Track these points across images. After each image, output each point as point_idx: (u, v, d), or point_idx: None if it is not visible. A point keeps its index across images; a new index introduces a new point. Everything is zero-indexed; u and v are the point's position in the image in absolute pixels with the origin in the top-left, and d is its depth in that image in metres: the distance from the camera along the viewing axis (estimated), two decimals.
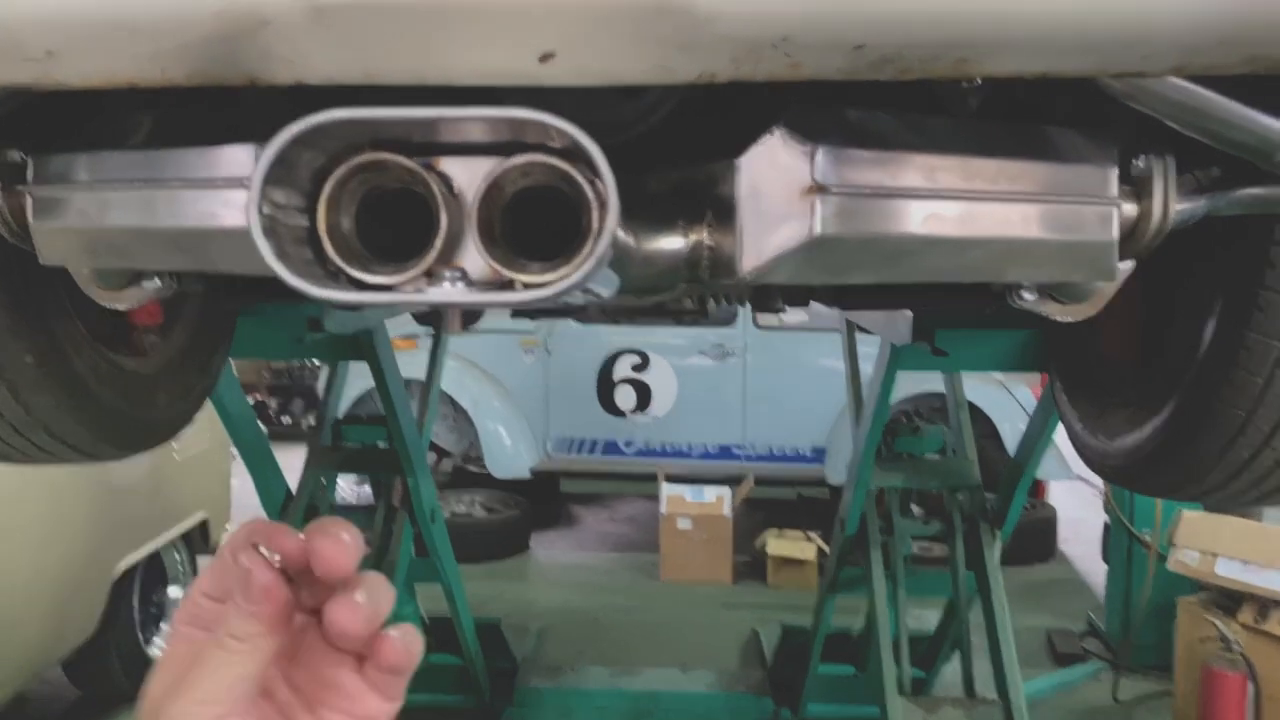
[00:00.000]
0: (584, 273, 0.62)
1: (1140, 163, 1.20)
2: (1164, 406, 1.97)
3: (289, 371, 9.68)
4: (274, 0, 0.79)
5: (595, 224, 0.64)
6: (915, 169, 1.06)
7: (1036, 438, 3.53)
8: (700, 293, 1.81)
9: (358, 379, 4.19)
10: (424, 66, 0.80)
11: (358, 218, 0.71)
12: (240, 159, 1.03)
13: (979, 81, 1.16)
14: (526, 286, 0.66)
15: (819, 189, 1.01)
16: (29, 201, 1.19)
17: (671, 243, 1.06)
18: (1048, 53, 0.83)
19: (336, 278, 0.69)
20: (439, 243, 0.68)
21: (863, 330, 4.16)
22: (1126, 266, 1.31)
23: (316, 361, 8.39)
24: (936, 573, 3.94)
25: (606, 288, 0.93)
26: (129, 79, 0.87)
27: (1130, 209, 1.19)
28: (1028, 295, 1.40)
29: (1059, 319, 1.41)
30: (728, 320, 6.59)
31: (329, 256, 0.70)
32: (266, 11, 0.80)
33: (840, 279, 1.08)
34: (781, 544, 6.13)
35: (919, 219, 1.06)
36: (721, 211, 1.05)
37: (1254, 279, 1.63)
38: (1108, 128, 1.18)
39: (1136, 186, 1.19)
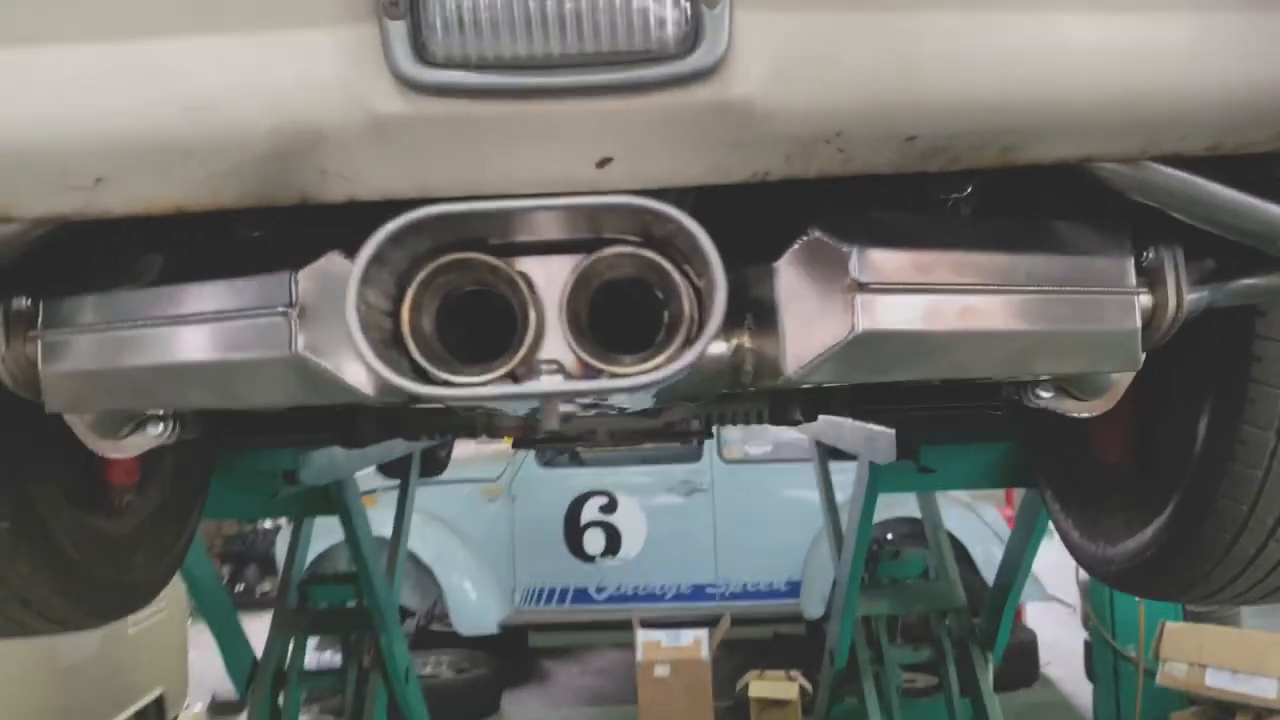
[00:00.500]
0: (686, 361, 0.61)
1: (1150, 254, 1.23)
2: (1164, 507, 1.97)
3: (243, 537, 9.41)
4: (331, 115, 0.80)
5: (691, 311, 0.63)
6: (946, 265, 1.07)
7: (1019, 554, 3.52)
8: (717, 409, 1.81)
9: (315, 539, 4.08)
10: (481, 177, 0.80)
11: (437, 320, 0.70)
12: (277, 287, 1.02)
13: (968, 190, 1.19)
14: (616, 377, 0.65)
15: (859, 287, 1.02)
16: (39, 347, 1.16)
17: (715, 347, 1.05)
18: (1092, 137, 0.85)
19: (424, 378, 0.67)
20: (528, 338, 0.66)
21: (835, 456, 4.17)
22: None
23: (272, 523, 8.18)
24: (929, 702, 3.86)
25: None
26: (178, 204, 0.86)
27: (1146, 300, 1.22)
28: (1044, 393, 1.42)
29: (1076, 415, 1.42)
30: (693, 456, 6.57)
31: (414, 358, 0.68)
32: (324, 127, 0.80)
33: (881, 377, 1.08)
34: (764, 685, 5.96)
35: (955, 313, 1.07)
36: (760, 314, 1.05)
37: (1242, 373, 1.66)
38: (1117, 221, 1.21)
39: (1149, 277, 1.22)
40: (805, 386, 1.26)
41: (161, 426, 1.39)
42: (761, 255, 1.05)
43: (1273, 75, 0.82)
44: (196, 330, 1.06)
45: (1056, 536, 2.55)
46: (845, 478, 3.82)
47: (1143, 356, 1.27)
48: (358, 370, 1.02)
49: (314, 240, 1.03)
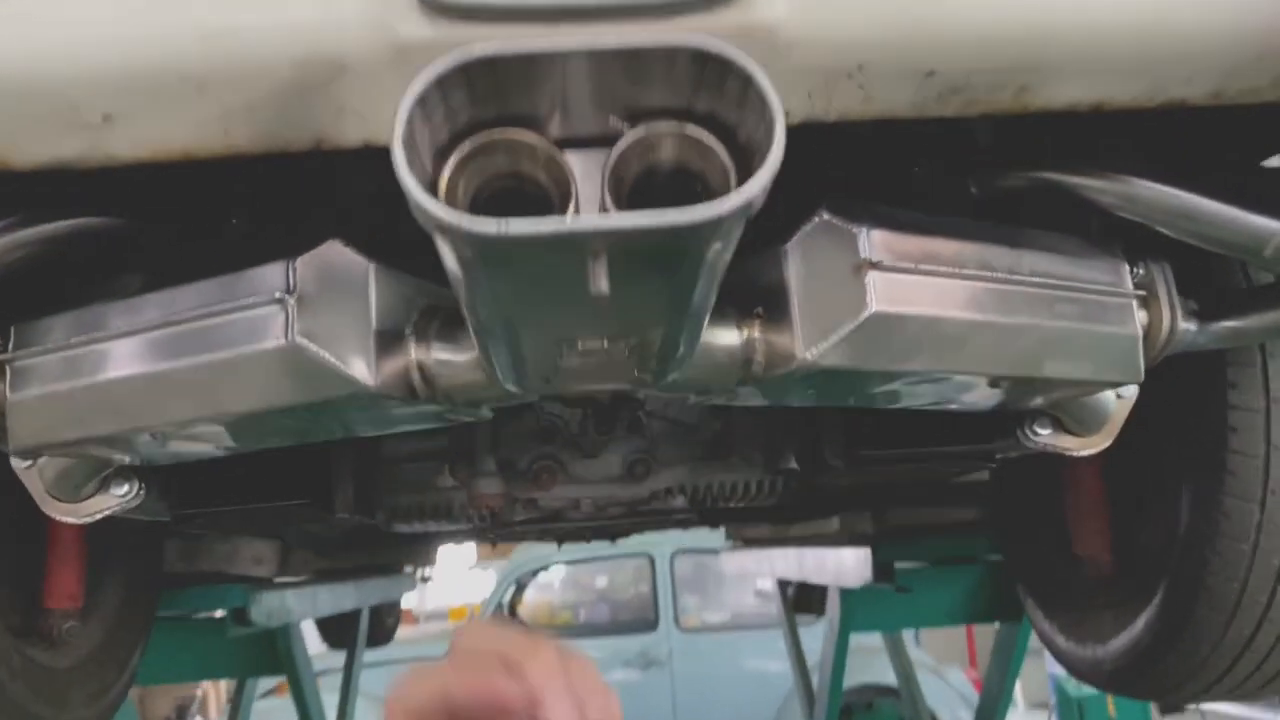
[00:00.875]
0: (751, 193, 0.59)
1: (1141, 270, 1.24)
2: (1152, 595, 1.93)
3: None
4: (354, 43, 0.79)
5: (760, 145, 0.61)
6: (954, 254, 1.07)
7: (996, 696, 3.41)
8: (697, 492, 1.76)
9: None
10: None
11: (471, 209, 0.67)
12: (273, 275, 0.98)
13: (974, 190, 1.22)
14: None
15: (872, 265, 1.01)
16: (8, 374, 1.09)
17: (726, 337, 1.03)
18: (1103, 77, 0.87)
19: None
20: (571, 204, 0.64)
21: (800, 608, 4.06)
22: (1131, 393, 1.34)
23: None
24: None
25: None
26: (187, 147, 0.83)
27: (1142, 315, 1.23)
28: (1041, 430, 1.40)
29: (1076, 453, 1.40)
30: (649, 625, 6.34)
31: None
32: (347, 56, 0.79)
33: (895, 365, 1.06)
34: None
35: (966, 299, 1.06)
36: (771, 302, 1.03)
37: (1219, 446, 1.67)
38: (1108, 235, 1.24)
39: (1143, 290, 1.23)
40: (802, 405, 1.23)
41: (126, 486, 1.31)
42: (770, 242, 1.04)
43: (1274, 16, 0.85)
44: (182, 331, 1.01)
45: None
46: (811, 644, 3.68)
47: (1129, 392, 1.28)
48: (359, 361, 0.98)
49: (312, 230, 1.00)
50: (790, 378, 1.03)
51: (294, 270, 0.98)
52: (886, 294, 1.01)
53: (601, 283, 0.62)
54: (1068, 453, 1.41)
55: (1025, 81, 0.87)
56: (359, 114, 0.83)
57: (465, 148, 0.66)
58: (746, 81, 0.61)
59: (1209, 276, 1.42)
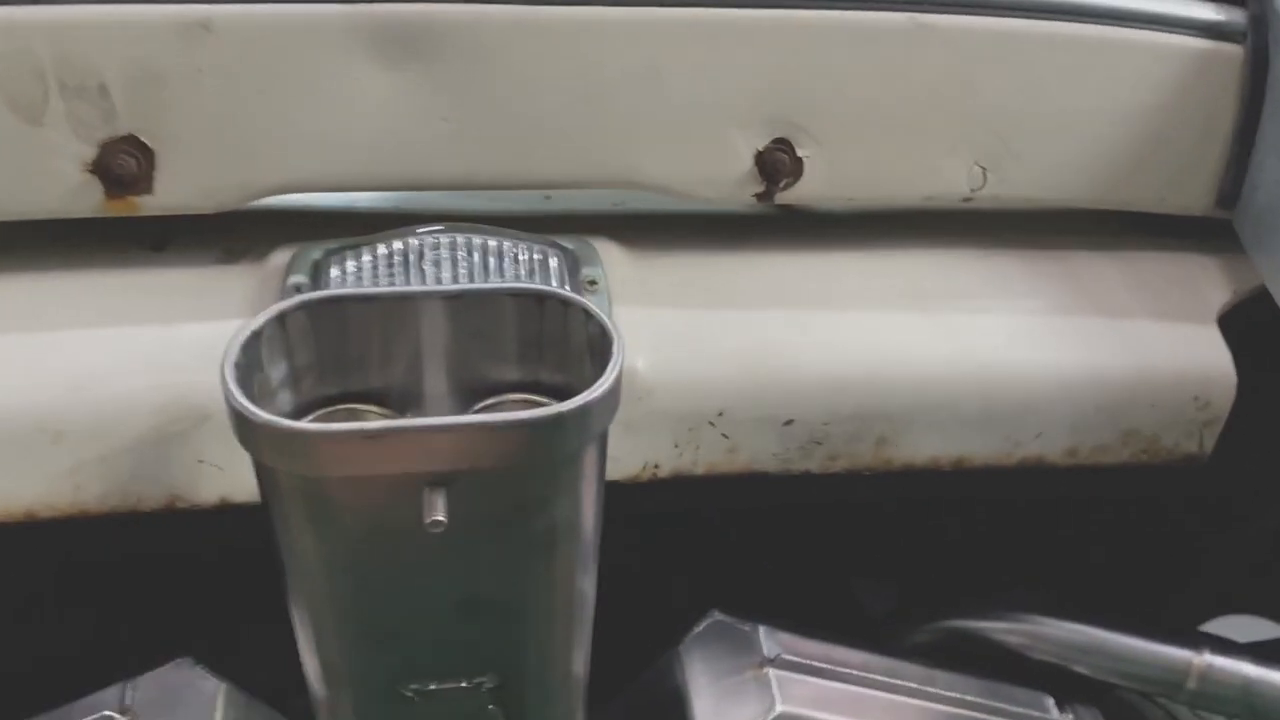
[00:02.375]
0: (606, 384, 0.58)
1: (1070, 715, 1.17)
2: None
3: None
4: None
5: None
6: (862, 662, 1.01)
7: None
8: None
9: None
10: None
11: None
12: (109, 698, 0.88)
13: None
14: None
15: (770, 662, 0.94)
16: None
17: None
18: (955, 429, 0.90)
19: None
20: None
21: None
22: None
23: None
24: None
25: None
26: (29, 506, 0.79)
27: None
28: None
29: None
30: None
31: None
32: (210, 407, 0.80)
33: None
34: None
35: (879, 709, 0.98)
36: (670, 710, 0.94)
37: None
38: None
39: None
40: None
41: None
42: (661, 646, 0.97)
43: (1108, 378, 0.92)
44: None
45: None
46: None
47: None
48: None
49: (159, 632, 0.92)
50: None
51: (132, 691, 0.88)
52: (793, 694, 0.93)
53: (437, 510, 0.58)
54: None
55: (882, 432, 0.89)
56: (219, 466, 0.81)
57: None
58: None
59: None
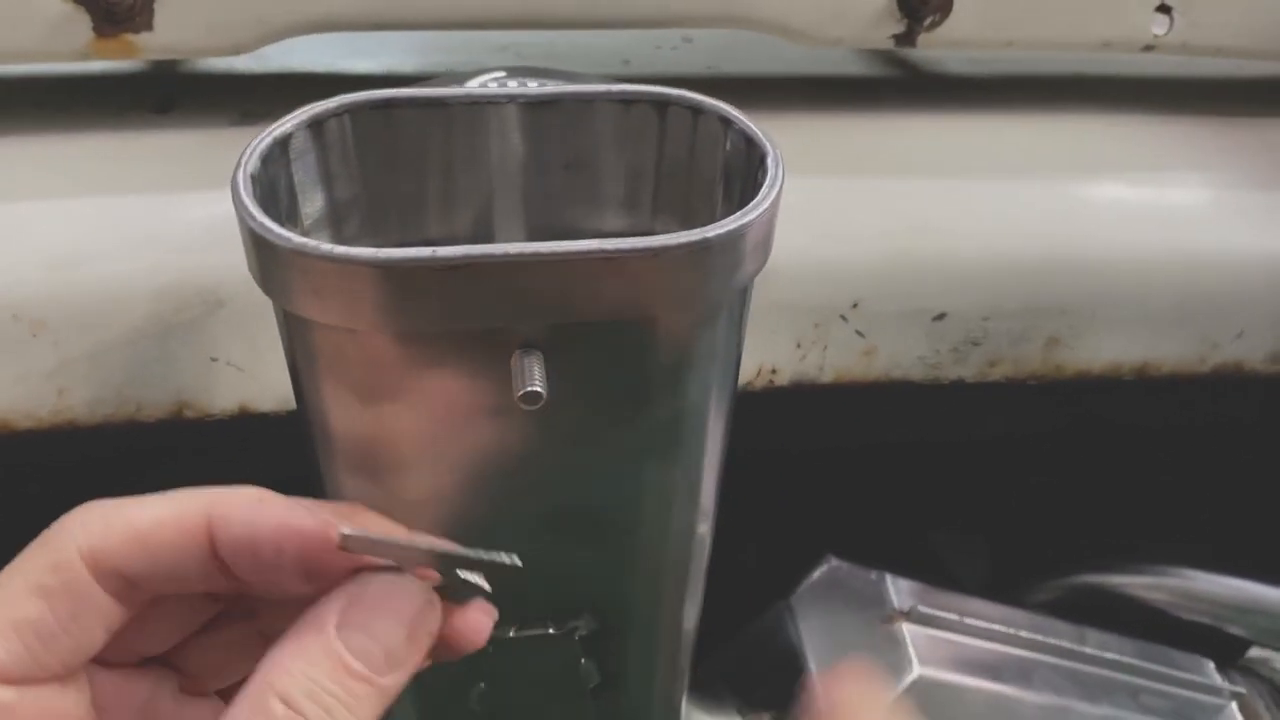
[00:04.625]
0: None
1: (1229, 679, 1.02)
2: None
3: None
4: (236, 282, 0.64)
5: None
6: (1003, 616, 0.85)
7: None
8: None
9: None
10: None
11: None
12: None
13: None
14: None
15: (903, 615, 0.78)
16: None
17: None
18: (1146, 328, 0.73)
19: None
20: None
21: None
22: None
23: None
24: None
25: None
26: (3, 415, 0.64)
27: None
28: None
29: None
30: None
31: None
32: (224, 290, 0.64)
33: None
34: None
35: (1016, 671, 0.81)
36: (781, 673, 0.78)
37: None
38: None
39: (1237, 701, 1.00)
40: None
41: None
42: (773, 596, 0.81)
43: None
44: None
45: None
46: None
47: None
48: None
49: None
50: None
51: None
52: (926, 650, 0.77)
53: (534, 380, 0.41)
54: None
55: (1055, 330, 0.72)
56: (235, 366, 0.65)
57: None
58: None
59: None
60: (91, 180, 0.69)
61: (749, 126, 0.46)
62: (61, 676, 0.38)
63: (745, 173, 0.46)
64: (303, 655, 0.36)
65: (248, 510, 0.38)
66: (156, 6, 0.67)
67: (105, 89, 0.77)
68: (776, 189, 0.43)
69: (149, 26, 0.67)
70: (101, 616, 0.38)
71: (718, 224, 0.41)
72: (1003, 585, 1.01)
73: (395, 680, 0.37)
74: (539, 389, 0.41)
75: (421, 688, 0.57)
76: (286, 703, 0.34)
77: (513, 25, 0.71)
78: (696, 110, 0.48)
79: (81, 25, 0.67)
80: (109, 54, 0.68)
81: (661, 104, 0.48)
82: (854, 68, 0.86)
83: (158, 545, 0.38)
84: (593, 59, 0.84)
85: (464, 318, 0.40)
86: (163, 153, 0.71)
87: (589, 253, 0.40)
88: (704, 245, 0.40)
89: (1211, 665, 0.98)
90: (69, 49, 0.68)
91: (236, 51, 0.69)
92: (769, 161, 0.44)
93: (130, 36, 0.68)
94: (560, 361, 0.42)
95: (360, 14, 0.69)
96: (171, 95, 0.77)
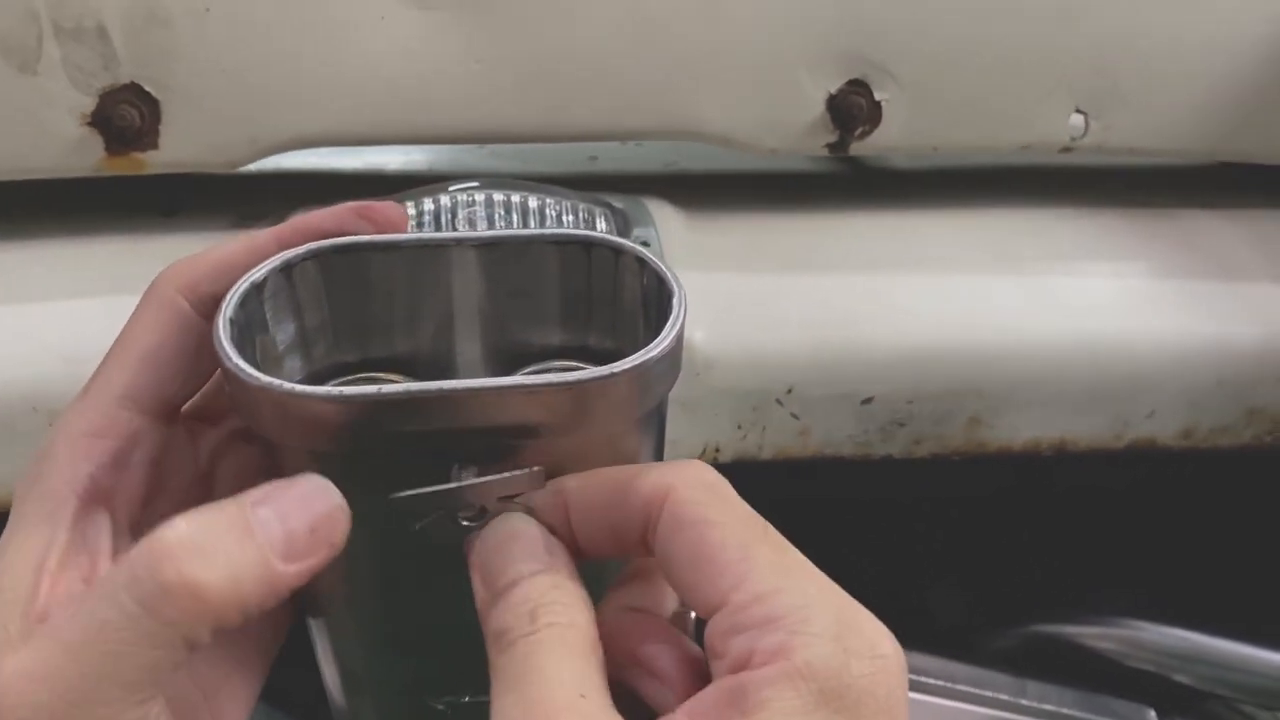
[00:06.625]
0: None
1: None
2: None
3: None
4: None
5: None
6: (936, 667, 0.91)
7: None
8: None
9: None
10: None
11: None
12: None
13: None
14: None
15: None
16: None
17: None
18: (1062, 409, 0.80)
19: None
20: None
21: None
22: None
23: None
24: None
25: None
26: None
27: None
28: None
29: None
30: None
31: None
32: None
33: None
34: None
35: None
36: None
37: None
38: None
39: None
40: None
41: None
42: None
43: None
44: None
45: None
46: None
47: None
48: None
49: None
50: None
51: None
52: None
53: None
54: None
55: (975, 411, 0.79)
56: None
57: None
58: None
59: None
60: (102, 280, 0.77)
61: (659, 267, 0.53)
62: (177, 409, 0.49)
63: (659, 305, 0.54)
64: (218, 509, 0.41)
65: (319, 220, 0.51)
66: (161, 129, 0.75)
67: (117, 192, 0.85)
68: (678, 326, 0.50)
69: (155, 145, 0.76)
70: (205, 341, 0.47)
71: (625, 360, 0.48)
72: (951, 638, 1.07)
73: (289, 571, 0.41)
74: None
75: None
76: (180, 539, 0.38)
77: (482, 140, 0.79)
78: (617, 251, 0.55)
79: (95, 145, 0.75)
80: (119, 169, 0.76)
81: (587, 245, 0.56)
82: (802, 164, 0.93)
83: (234, 267, 0.49)
84: (562, 157, 0.92)
85: (408, 441, 0.47)
86: (168, 254, 0.79)
87: (515, 387, 0.47)
88: (611, 379, 0.47)
89: (1153, 713, 1.04)
90: (83, 165, 0.76)
91: (233, 167, 0.77)
92: (674, 301, 0.51)
93: (139, 154, 0.76)
94: (496, 472, 0.50)
95: (342, 133, 0.77)
96: (176, 199, 0.85)
